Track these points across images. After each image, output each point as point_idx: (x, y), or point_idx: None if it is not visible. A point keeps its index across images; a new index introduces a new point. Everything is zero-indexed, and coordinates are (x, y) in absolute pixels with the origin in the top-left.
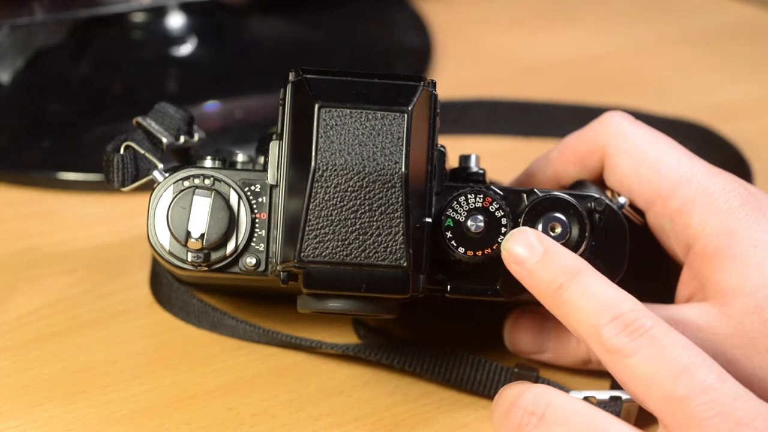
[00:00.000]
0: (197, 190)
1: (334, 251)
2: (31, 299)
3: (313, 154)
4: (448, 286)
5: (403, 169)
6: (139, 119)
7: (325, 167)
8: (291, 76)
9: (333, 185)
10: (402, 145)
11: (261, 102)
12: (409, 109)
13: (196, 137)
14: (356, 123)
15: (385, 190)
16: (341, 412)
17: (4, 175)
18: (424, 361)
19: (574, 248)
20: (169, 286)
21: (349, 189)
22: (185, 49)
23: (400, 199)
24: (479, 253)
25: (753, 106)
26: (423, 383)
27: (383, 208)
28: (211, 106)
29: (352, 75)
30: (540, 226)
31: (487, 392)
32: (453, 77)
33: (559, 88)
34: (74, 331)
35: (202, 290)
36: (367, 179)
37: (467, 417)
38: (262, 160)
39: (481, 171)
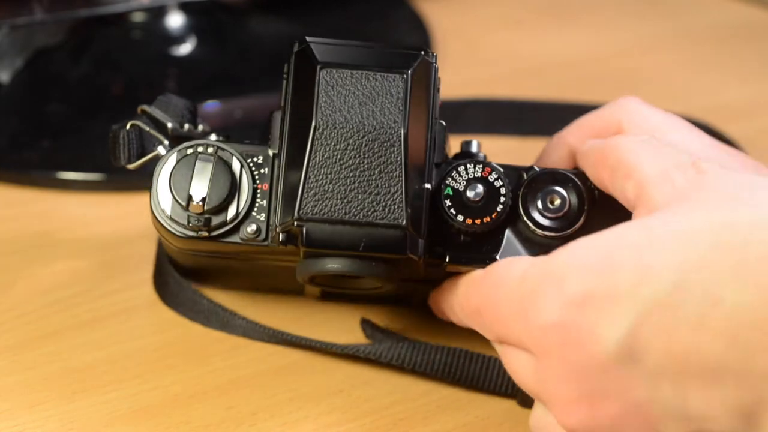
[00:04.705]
0: (200, 155)
1: (333, 209)
2: (31, 298)
3: (314, 112)
4: (447, 257)
5: (402, 129)
6: (144, 107)
7: (325, 125)
8: (294, 47)
9: (333, 143)
10: (401, 105)
11: (261, 102)
12: (409, 72)
13: (200, 128)
14: (357, 83)
15: (384, 149)
16: (341, 411)
17: (4, 175)
18: (435, 361)
19: (574, 220)
20: (176, 285)
21: (348, 147)
22: (185, 48)
23: (399, 158)
24: (478, 221)
25: (753, 105)
26: (423, 382)
27: (382, 167)
28: (211, 105)
29: (355, 44)
30: (539, 200)
31: (500, 390)
32: (453, 77)
33: (559, 87)
34: (74, 330)
35: (201, 279)
36: (366, 138)
37: (467, 416)
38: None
39: (482, 155)
